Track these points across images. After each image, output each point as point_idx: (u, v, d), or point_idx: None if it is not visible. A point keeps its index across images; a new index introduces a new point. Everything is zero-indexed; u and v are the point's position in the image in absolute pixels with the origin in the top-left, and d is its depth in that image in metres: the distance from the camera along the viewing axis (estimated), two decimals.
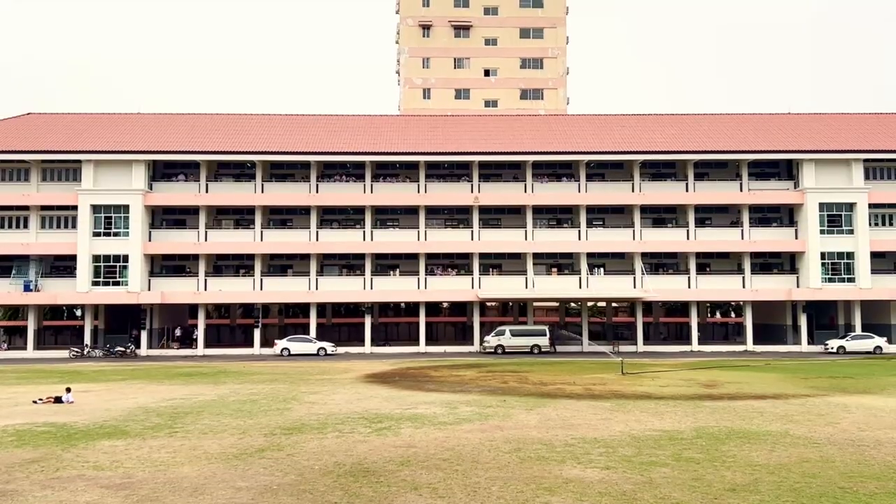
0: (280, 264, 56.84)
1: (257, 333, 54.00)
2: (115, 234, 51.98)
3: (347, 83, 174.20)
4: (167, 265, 56.00)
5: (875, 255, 53.28)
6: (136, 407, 24.13)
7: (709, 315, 63.75)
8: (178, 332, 56.36)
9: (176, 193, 53.83)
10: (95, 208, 52.01)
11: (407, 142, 55.22)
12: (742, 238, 53.98)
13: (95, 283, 51.56)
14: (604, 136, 56.35)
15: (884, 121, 58.69)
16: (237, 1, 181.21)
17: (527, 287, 53.61)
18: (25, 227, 52.92)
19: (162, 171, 55.17)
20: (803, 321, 53.98)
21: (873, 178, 54.66)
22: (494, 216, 56.33)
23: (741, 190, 54.57)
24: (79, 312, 58.04)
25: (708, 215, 56.05)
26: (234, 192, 54.36)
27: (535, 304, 58.67)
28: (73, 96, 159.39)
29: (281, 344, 51.49)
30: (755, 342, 54.00)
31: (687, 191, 54.57)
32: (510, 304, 60.28)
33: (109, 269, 51.81)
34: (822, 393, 27.01)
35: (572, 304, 60.88)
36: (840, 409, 22.97)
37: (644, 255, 54.66)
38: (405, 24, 77.25)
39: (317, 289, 53.50)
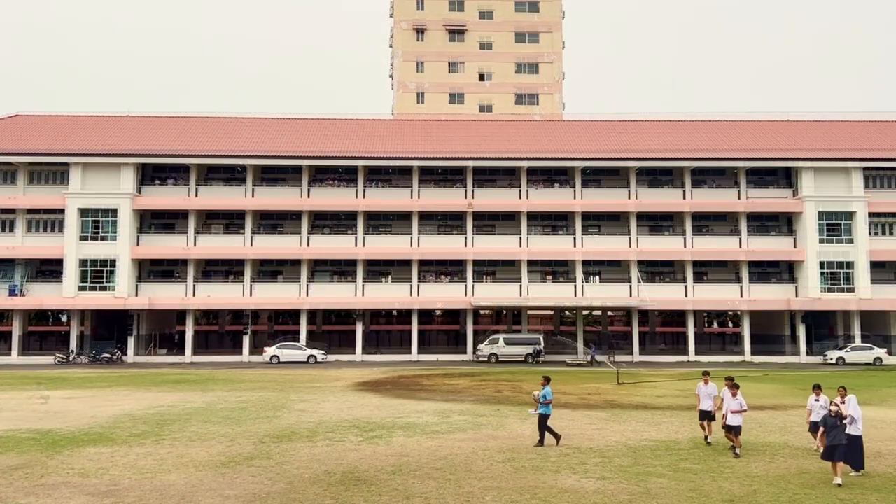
0: (270, 270, 56.17)
1: (246, 340, 53.30)
2: (103, 238, 51.43)
3: (340, 86, 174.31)
4: (155, 270, 55.32)
5: (875, 265, 53.03)
6: (122, 414, 23.75)
7: (706, 324, 63.27)
8: (176, 338, 55.76)
9: (165, 197, 53.30)
10: (83, 211, 51.43)
11: (400, 146, 54.75)
12: (740, 246, 53.65)
13: (82, 288, 50.95)
14: (600, 141, 55.99)
15: (883, 128, 58.49)
16: (230, 3, 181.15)
17: (521, 294, 53.14)
18: (11, 230, 52.32)
19: (151, 174, 54.56)
20: (802, 331, 53.59)
21: (873, 186, 54.41)
22: (488, 222, 55.87)
23: (739, 197, 54.26)
24: (65, 318, 57.22)
25: (705, 223, 55.65)
26: (224, 196, 53.81)
27: (530, 311, 58.22)
28: (63, 97, 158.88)
29: (270, 351, 50.77)
30: (753, 352, 53.52)
31: (684, 198, 54.25)
32: (504, 311, 59.74)
33: (96, 274, 51.19)
34: None
35: (567, 313, 60.35)
36: None
37: (640, 262, 54.27)
38: (399, 28, 76.88)
39: (307, 295, 52.89)
